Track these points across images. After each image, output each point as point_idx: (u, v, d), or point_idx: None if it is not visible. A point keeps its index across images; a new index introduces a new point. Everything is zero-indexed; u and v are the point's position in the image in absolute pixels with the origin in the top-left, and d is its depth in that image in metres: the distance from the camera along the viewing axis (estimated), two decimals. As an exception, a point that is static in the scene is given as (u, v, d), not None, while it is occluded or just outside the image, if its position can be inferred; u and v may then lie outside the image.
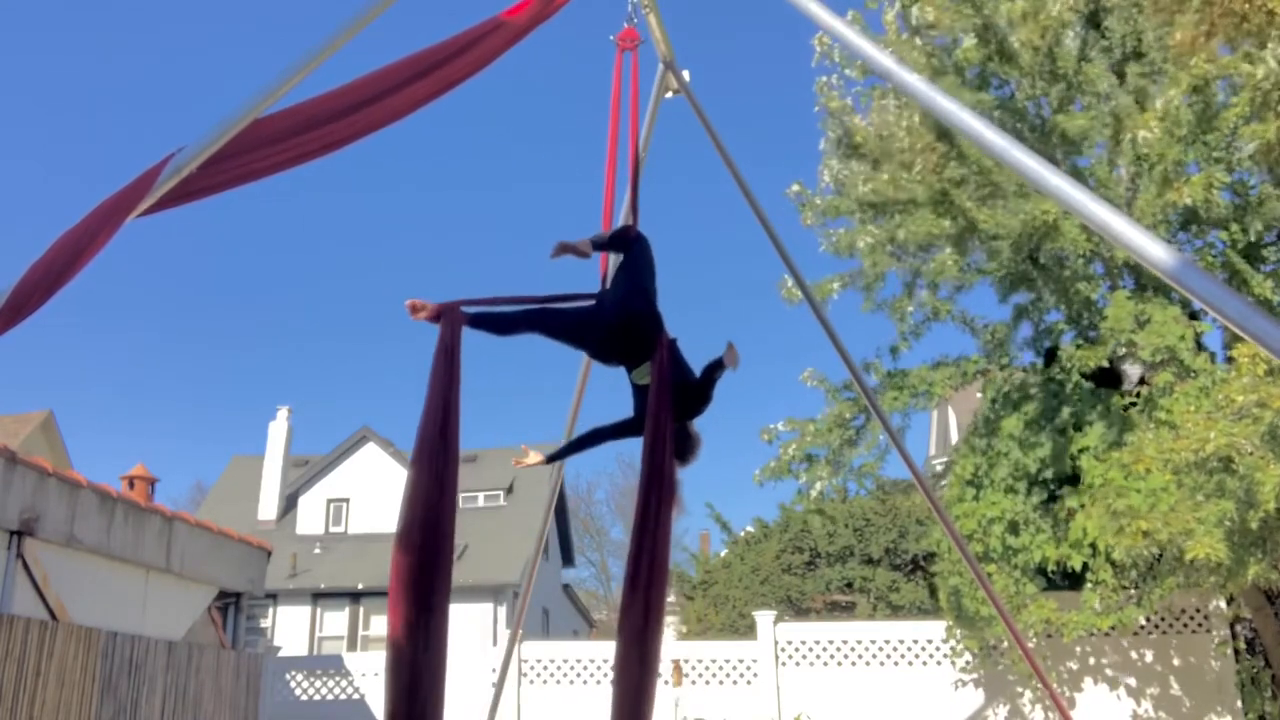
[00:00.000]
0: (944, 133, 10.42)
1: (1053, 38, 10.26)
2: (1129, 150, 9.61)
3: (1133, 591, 10.23)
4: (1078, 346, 10.15)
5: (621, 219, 5.44)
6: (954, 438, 21.63)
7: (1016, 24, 10.23)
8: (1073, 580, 10.60)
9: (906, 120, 10.50)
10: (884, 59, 3.85)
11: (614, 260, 4.94)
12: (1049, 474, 10.22)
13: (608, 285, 4.84)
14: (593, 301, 4.72)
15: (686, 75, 5.81)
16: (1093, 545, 9.63)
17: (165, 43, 56.08)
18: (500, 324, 4.40)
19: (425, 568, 3.78)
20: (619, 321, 4.48)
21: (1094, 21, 10.74)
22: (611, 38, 5.19)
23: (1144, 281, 10.34)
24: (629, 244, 4.73)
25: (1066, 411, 10.33)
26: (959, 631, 11.33)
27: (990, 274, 10.91)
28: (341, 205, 57.76)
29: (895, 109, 10.84)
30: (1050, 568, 10.29)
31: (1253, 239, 10.03)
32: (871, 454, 11.46)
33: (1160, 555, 9.07)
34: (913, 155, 10.34)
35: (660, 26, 5.40)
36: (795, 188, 11.68)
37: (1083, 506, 9.67)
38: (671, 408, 4.46)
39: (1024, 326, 11.41)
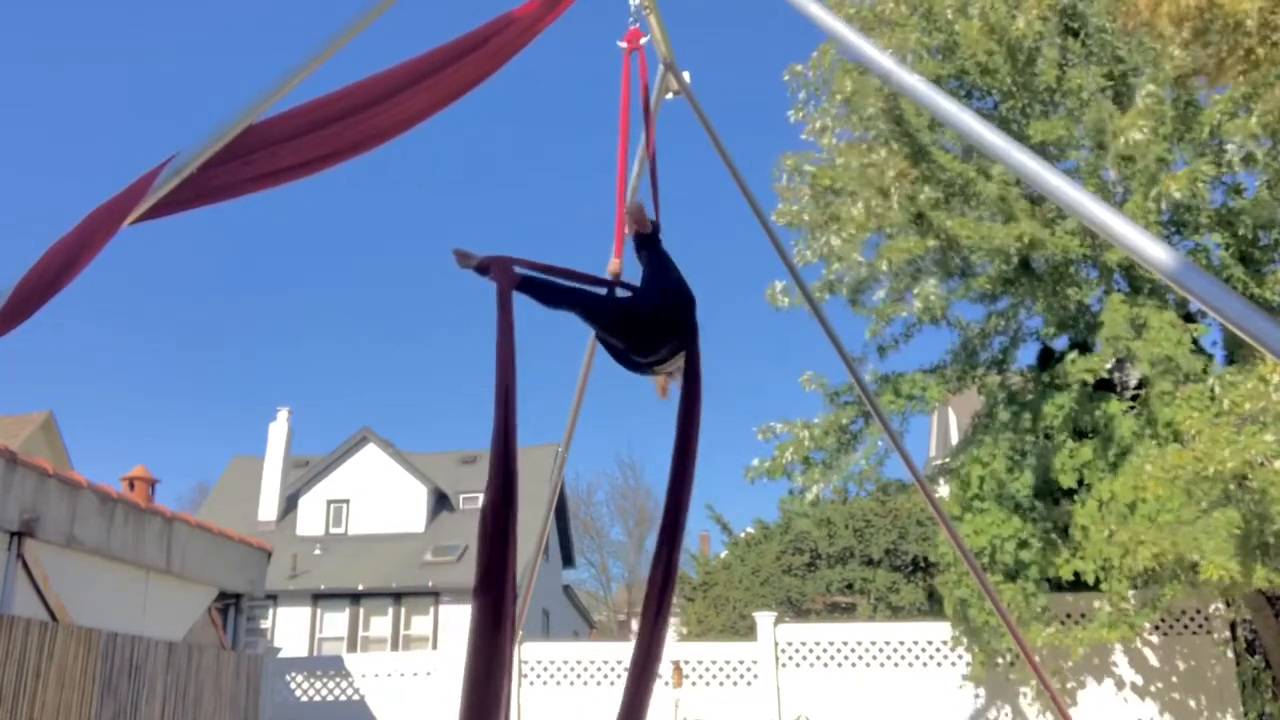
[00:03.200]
0: (917, 153, 10.43)
1: (1031, 46, 10.26)
2: (1114, 149, 9.60)
3: (1133, 597, 10.22)
4: (1073, 361, 10.09)
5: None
6: (954, 439, 21.61)
7: (978, 41, 10.24)
8: (1081, 585, 10.57)
9: (884, 149, 10.47)
10: (884, 60, 3.85)
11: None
12: (1055, 486, 10.18)
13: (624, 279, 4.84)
14: (629, 293, 4.69)
15: (687, 76, 5.80)
16: (1106, 558, 9.61)
17: (165, 45, 56.13)
18: (548, 293, 4.35)
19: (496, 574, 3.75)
20: (668, 305, 4.48)
21: (1072, 31, 10.76)
22: (619, 44, 5.20)
23: (1138, 284, 10.32)
24: (658, 240, 4.77)
25: (1065, 419, 10.27)
26: (965, 640, 11.30)
27: (978, 287, 10.87)
28: (342, 205, 57.78)
29: (867, 138, 10.83)
30: (1065, 580, 10.27)
31: (1248, 239, 9.99)
32: (871, 459, 11.35)
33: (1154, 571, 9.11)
34: (888, 181, 10.31)
35: (661, 28, 5.40)
36: (779, 210, 11.51)
37: (1085, 530, 9.65)
38: (700, 402, 4.51)
39: (1011, 330, 11.40)
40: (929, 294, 10.52)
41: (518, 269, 4.23)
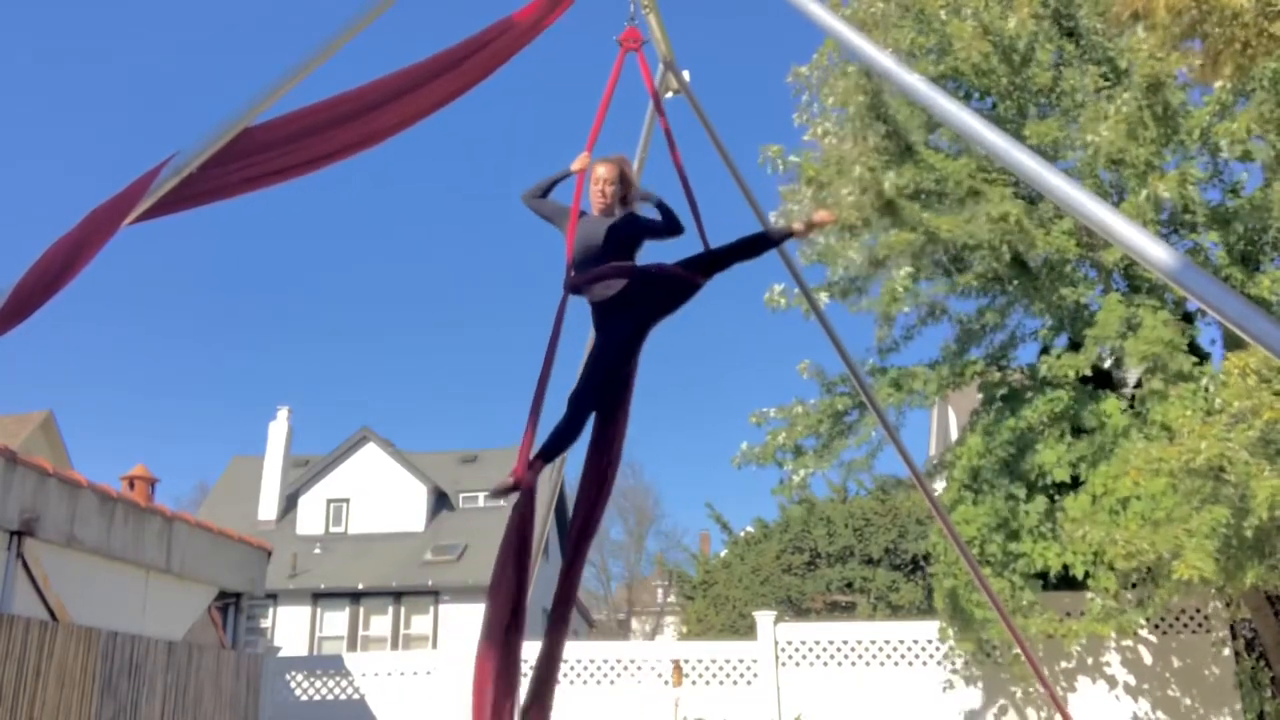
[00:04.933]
0: (904, 151, 10.43)
1: (1025, 46, 10.26)
2: (1102, 152, 9.60)
3: (1130, 595, 10.21)
4: (1058, 356, 10.09)
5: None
6: (954, 436, 21.59)
7: (971, 42, 10.23)
8: (1072, 583, 10.58)
9: (859, 145, 10.46)
10: (884, 59, 3.84)
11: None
12: (1048, 480, 10.19)
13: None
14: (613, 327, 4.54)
15: (687, 75, 5.79)
16: (1095, 552, 9.62)
17: (164, 45, 56.09)
18: (569, 437, 4.26)
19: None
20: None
21: (1067, 31, 10.74)
22: (615, 39, 5.18)
23: (1137, 284, 10.31)
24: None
25: (1061, 414, 10.27)
26: (952, 632, 11.32)
27: (965, 285, 10.87)
28: (342, 203, 57.78)
29: (843, 130, 10.83)
30: (1053, 574, 10.27)
31: (1247, 238, 9.98)
32: (864, 449, 11.36)
33: (1149, 569, 9.11)
34: (867, 171, 10.29)
35: (660, 27, 5.39)
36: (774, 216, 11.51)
37: (1075, 521, 9.67)
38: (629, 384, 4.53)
39: (1008, 330, 11.41)
40: (896, 286, 10.53)
41: (538, 462, 4.14)
